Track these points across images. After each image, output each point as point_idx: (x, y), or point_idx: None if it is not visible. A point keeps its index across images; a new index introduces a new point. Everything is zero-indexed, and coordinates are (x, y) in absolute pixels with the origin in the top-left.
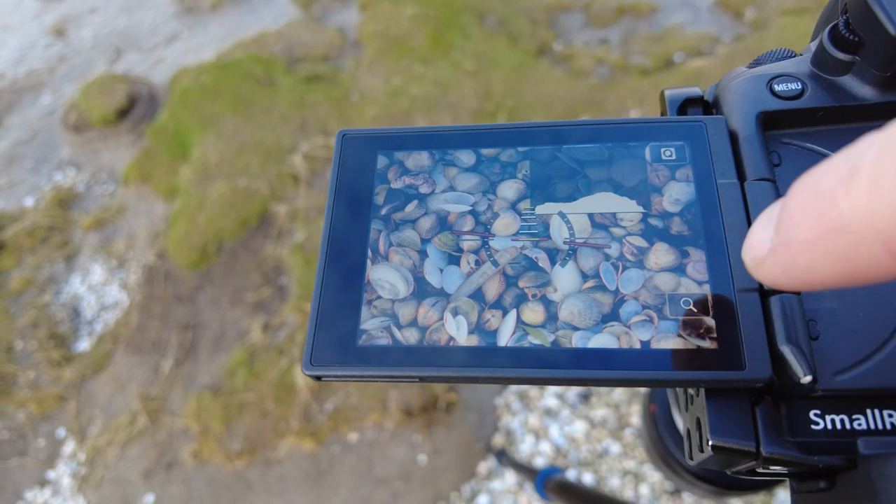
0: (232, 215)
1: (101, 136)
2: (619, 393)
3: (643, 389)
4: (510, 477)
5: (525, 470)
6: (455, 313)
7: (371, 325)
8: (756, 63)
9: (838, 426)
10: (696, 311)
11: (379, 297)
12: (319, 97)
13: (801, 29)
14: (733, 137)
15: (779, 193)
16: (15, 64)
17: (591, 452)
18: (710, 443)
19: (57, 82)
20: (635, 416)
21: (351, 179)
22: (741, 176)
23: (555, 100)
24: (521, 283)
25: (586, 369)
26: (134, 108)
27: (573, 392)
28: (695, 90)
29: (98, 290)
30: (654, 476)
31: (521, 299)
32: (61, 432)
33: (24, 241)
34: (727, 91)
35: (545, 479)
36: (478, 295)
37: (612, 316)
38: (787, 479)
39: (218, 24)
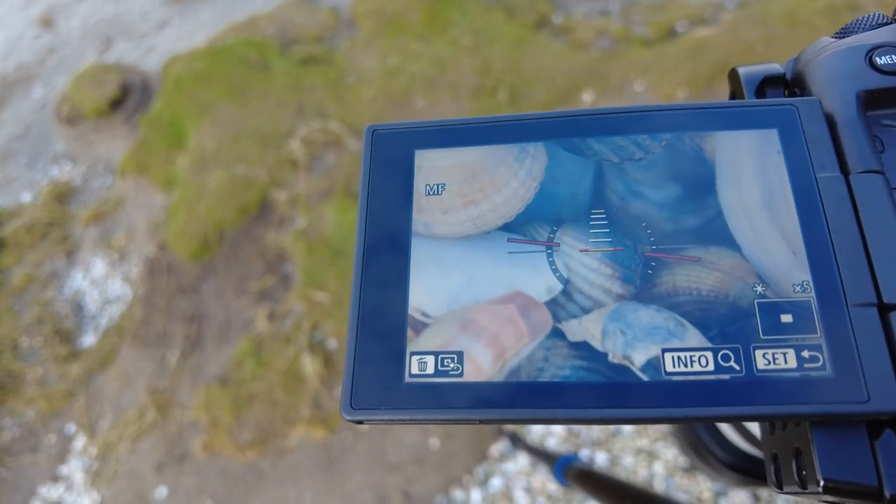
0: (232, 204)
1: (95, 127)
2: None
3: None
4: (523, 459)
5: (540, 455)
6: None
7: (419, 358)
8: (845, 32)
9: None
10: (801, 330)
11: (425, 322)
12: (315, 80)
13: None
14: (830, 122)
15: (891, 187)
16: (4, 58)
17: (604, 431)
18: (822, 483)
19: (47, 74)
20: None
21: (385, 183)
22: (844, 168)
23: (556, 74)
24: (592, 303)
25: (673, 407)
26: (127, 98)
27: None
28: (774, 67)
29: (101, 285)
30: (667, 454)
31: (593, 321)
32: (71, 428)
33: (23, 237)
34: (815, 67)
35: (565, 466)
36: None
37: (703, 340)
38: None
39: (208, 9)
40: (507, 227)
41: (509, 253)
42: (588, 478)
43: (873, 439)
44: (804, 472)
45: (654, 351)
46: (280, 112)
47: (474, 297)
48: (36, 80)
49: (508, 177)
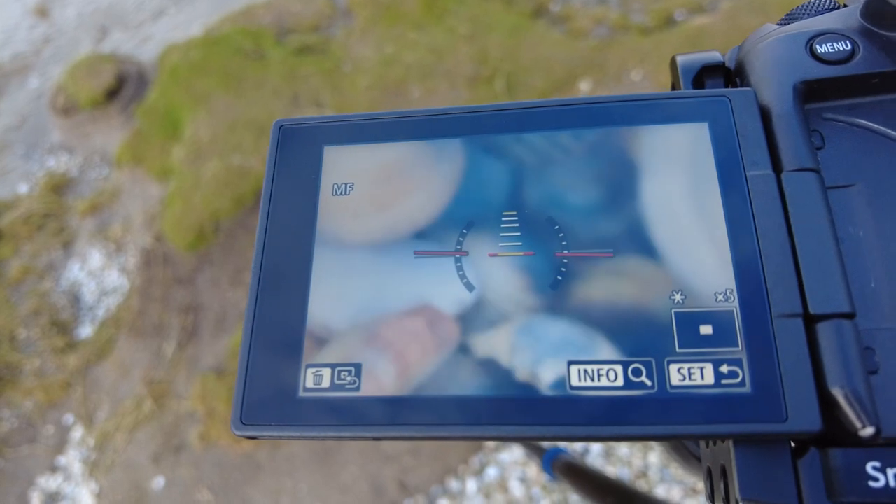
0: (227, 194)
1: (91, 118)
2: None
3: None
4: (518, 449)
5: (532, 446)
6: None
7: (315, 371)
8: (789, 18)
9: None
10: (720, 343)
11: (325, 334)
12: (311, 69)
13: None
14: (765, 115)
15: (825, 187)
16: None
17: None
18: None
19: (43, 65)
20: None
21: (290, 183)
22: (776, 165)
23: (553, 62)
24: (501, 314)
25: (576, 425)
26: (123, 88)
27: None
28: (713, 55)
29: (98, 276)
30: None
31: (500, 335)
32: (69, 419)
33: (20, 228)
34: (755, 55)
35: (552, 459)
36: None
37: (614, 353)
38: None
39: None
40: (417, 233)
41: (416, 259)
42: (574, 471)
43: (797, 458)
44: (728, 492)
45: (561, 364)
46: (276, 101)
47: (380, 309)
48: (31, 70)
49: (421, 177)
